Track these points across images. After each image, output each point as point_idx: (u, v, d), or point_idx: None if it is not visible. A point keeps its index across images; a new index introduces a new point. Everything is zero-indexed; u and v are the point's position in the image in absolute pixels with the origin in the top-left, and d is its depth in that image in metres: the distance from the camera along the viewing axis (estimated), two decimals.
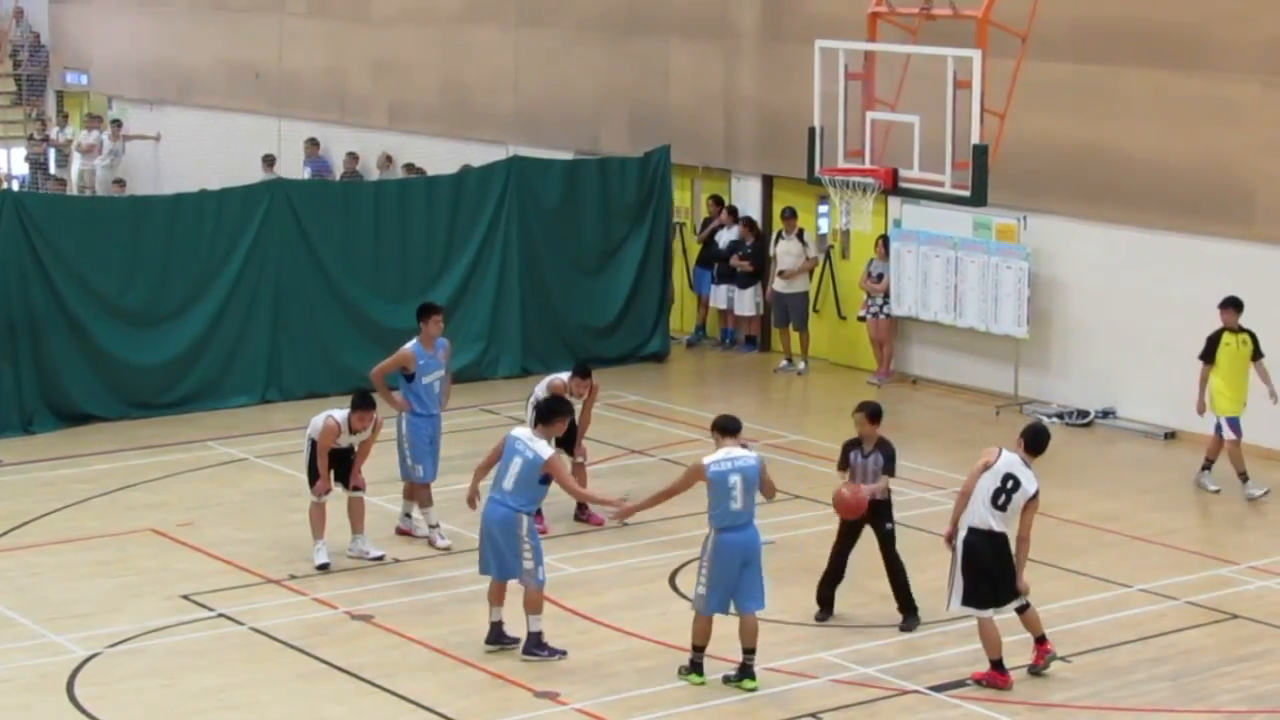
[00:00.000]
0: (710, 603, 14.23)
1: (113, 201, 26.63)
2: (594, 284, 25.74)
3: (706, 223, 27.02)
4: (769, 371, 25.48)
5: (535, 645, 14.78)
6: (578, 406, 18.30)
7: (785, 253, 25.33)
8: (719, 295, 26.66)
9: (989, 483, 14.13)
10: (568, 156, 27.42)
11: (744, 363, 26.19)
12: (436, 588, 16.47)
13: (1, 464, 20.62)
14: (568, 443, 18.31)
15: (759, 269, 25.96)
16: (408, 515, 18.00)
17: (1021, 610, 14.38)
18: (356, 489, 17.22)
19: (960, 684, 14.32)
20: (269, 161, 33.04)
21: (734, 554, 14.12)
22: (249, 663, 14.85)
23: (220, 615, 15.86)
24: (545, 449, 14.74)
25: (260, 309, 23.41)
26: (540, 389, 17.97)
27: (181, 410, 22.76)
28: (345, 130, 33.21)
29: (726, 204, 26.77)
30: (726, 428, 14.47)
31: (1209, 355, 19.48)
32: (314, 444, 16.93)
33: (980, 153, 17.62)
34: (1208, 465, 19.67)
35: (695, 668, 14.33)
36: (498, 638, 14.94)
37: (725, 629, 14.47)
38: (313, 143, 33.29)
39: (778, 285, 25.35)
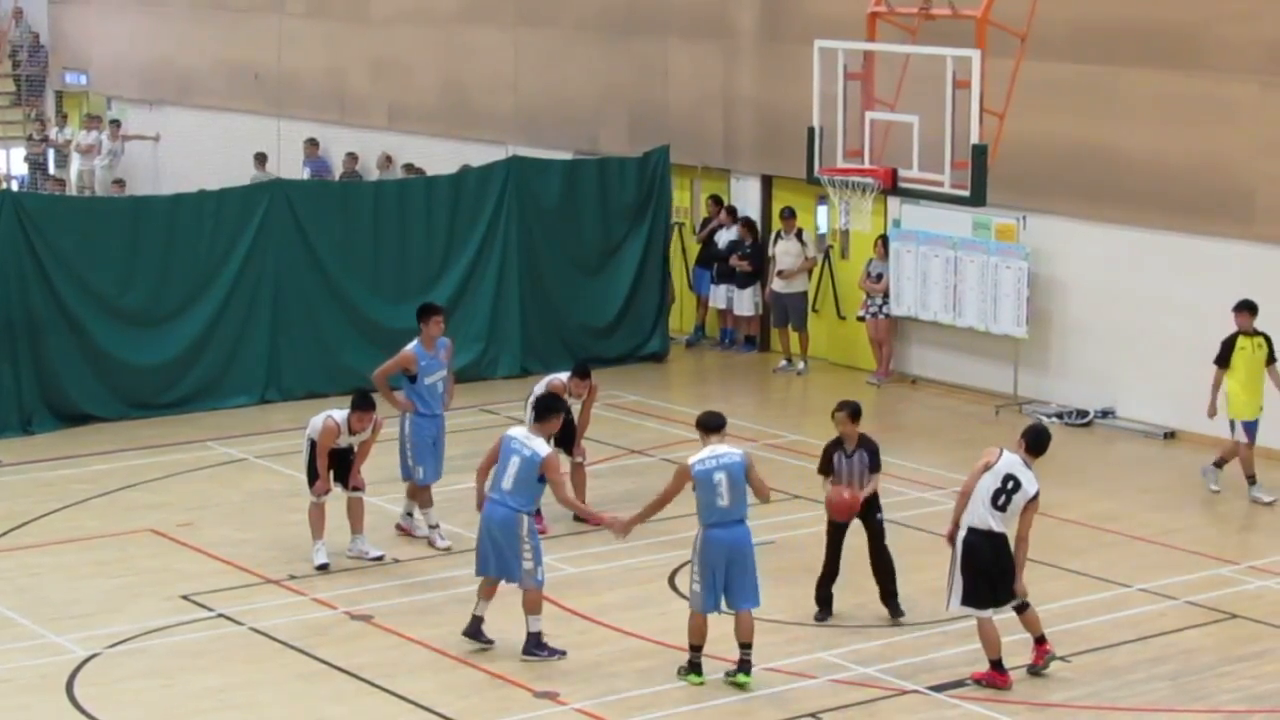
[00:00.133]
0: (704, 600, 14.24)
1: (112, 202, 26.63)
2: (593, 284, 25.74)
3: (705, 223, 27.02)
4: (768, 371, 25.48)
5: (535, 645, 14.77)
6: (576, 407, 18.31)
7: (784, 253, 25.33)
8: (718, 295, 26.66)
9: (989, 483, 14.13)
10: (567, 156, 27.43)
11: (743, 363, 26.20)
12: (436, 588, 16.46)
13: (1, 464, 20.62)
14: (567, 443, 18.33)
15: (758, 269, 25.96)
16: (409, 514, 17.99)
17: (1021, 610, 14.38)
18: (356, 489, 17.22)
19: (960, 684, 14.32)
20: (261, 159, 33.05)
21: (719, 550, 14.13)
22: (249, 663, 14.85)
23: (220, 615, 15.86)
24: (543, 446, 14.74)
25: (260, 309, 23.41)
26: (539, 389, 17.97)
27: (181, 410, 22.77)
28: (345, 130, 33.21)
29: (726, 204, 26.78)
30: (710, 425, 14.48)
31: (1224, 359, 19.29)
32: (313, 444, 16.93)
33: (979, 153, 17.62)
34: (1219, 464, 19.52)
35: (694, 668, 14.34)
36: (475, 632, 14.92)
37: (725, 628, 14.48)
38: (312, 143, 33.29)
39: (776, 285, 25.34)
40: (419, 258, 24.49)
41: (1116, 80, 22.15)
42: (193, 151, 35.84)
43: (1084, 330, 22.80)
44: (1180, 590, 16.53)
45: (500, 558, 14.70)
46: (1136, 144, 21.99)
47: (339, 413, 16.92)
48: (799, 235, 25.35)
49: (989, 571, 14.14)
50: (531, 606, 14.77)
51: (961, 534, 14.20)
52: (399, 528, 18.01)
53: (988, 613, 14.20)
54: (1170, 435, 21.85)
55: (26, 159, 38.97)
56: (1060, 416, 22.40)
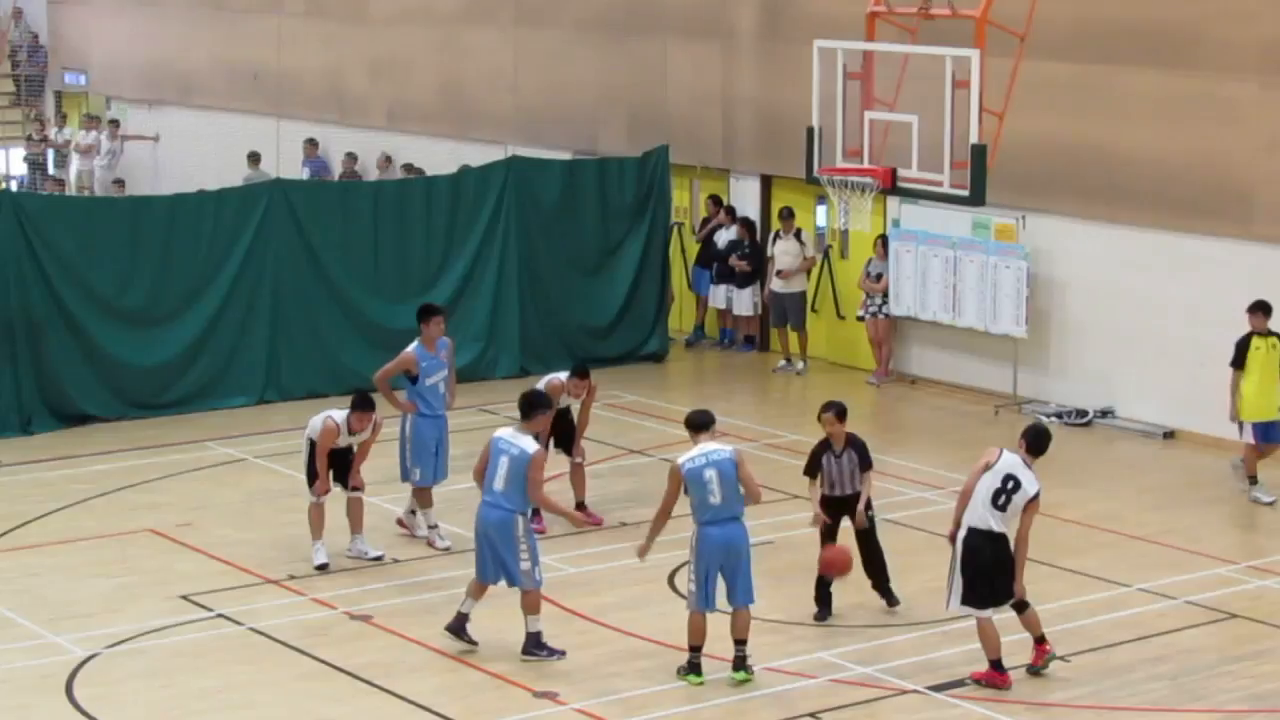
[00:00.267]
0: (700, 598, 14.24)
1: (111, 202, 26.62)
2: (593, 284, 25.74)
3: (705, 222, 27.02)
4: (768, 371, 25.49)
5: (535, 645, 14.77)
6: (575, 406, 18.30)
7: (783, 252, 25.33)
8: (718, 295, 26.66)
9: (989, 483, 14.12)
10: (566, 156, 27.43)
11: (743, 362, 26.20)
12: (435, 588, 16.46)
13: (0, 464, 20.62)
14: (566, 443, 18.33)
15: (757, 269, 25.96)
16: (412, 512, 17.97)
17: (1020, 610, 14.38)
18: (355, 489, 17.22)
19: (959, 684, 14.32)
20: (254, 159, 33.05)
21: (715, 546, 14.14)
22: (248, 663, 14.85)
23: (219, 616, 15.86)
24: (531, 444, 14.71)
25: (259, 309, 23.41)
26: (539, 388, 17.97)
27: (180, 411, 22.77)
28: (344, 130, 33.20)
29: (725, 204, 26.78)
30: (698, 423, 14.50)
31: (1239, 360, 19.19)
32: (313, 444, 16.93)
33: (979, 152, 17.63)
34: (1253, 480, 19.37)
35: (693, 668, 14.34)
36: (458, 629, 14.90)
37: (724, 629, 14.47)
38: (311, 143, 33.29)
39: (775, 285, 25.34)
40: (418, 258, 24.49)
41: (1116, 80, 22.15)
42: (192, 151, 35.84)
43: (1083, 330, 22.80)
44: (1180, 590, 16.53)
45: (499, 561, 14.68)
46: (1136, 144, 21.99)
47: (338, 413, 16.92)
48: (798, 235, 25.35)
49: (989, 572, 14.14)
50: (530, 607, 14.77)
51: (962, 534, 14.20)
52: (399, 521, 18.00)
53: (987, 613, 14.20)
54: (1169, 435, 21.85)
55: (26, 159, 38.98)
56: (1060, 416, 22.40)
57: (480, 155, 28.22)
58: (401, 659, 14.88)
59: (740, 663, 14.32)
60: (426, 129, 31.54)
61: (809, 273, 25.54)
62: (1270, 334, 19.24)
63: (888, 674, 14.56)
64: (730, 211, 26.55)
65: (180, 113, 36.99)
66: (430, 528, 17.73)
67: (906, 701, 14.11)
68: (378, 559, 17.23)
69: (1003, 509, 14.09)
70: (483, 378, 24.26)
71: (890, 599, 15.92)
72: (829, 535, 15.74)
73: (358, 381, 20.92)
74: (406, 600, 16.21)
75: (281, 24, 34.10)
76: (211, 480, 20.13)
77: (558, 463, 18.48)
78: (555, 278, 25.38)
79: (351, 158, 32.49)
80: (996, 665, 14.25)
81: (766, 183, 26.61)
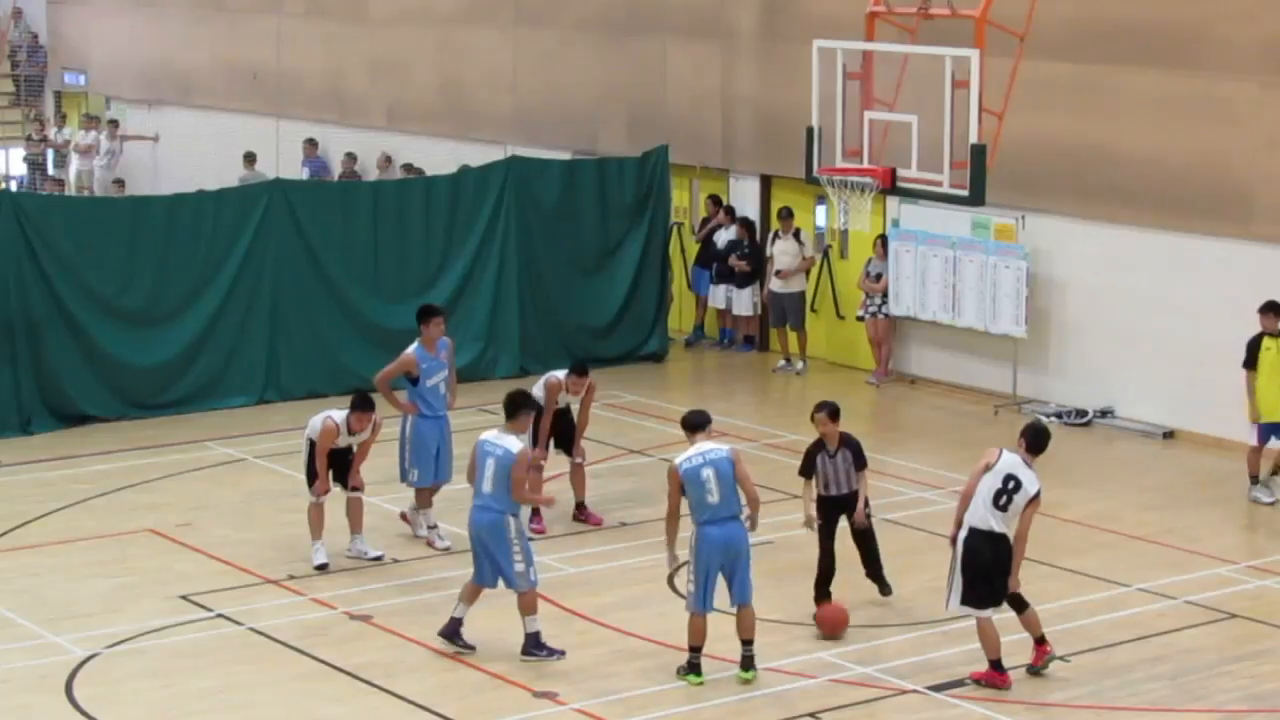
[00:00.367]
0: (699, 599, 14.24)
1: (111, 202, 26.63)
2: (592, 284, 25.73)
3: (704, 222, 27.02)
4: (767, 371, 25.48)
5: (534, 645, 14.77)
6: (575, 404, 18.29)
7: (782, 252, 25.33)
8: (717, 295, 26.66)
9: (990, 483, 14.11)
10: (566, 156, 27.43)
11: (742, 362, 26.20)
12: (435, 588, 16.45)
13: (0, 464, 20.62)
14: (567, 443, 18.32)
15: (756, 269, 25.96)
16: (416, 508, 17.97)
17: (1020, 610, 14.37)
18: (355, 489, 17.22)
19: (959, 684, 14.32)
20: (249, 159, 33.06)
21: (714, 546, 14.14)
22: (248, 663, 14.85)
23: (219, 616, 15.86)
24: (515, 444, 14.70)
25: (259, 309, 23.41)
26: (537, 388, 17.98)
27: (180, 411, 22.77)
28: (343, 131, 33.21)
29: (724, 204, 26.78)
30: (694, 424, 14.52)
31: (1251, 361, 19.12)
32: (313, 444, 16.93)
33: (978, 152, 17.63)
34: (1256, 479, 19.29)
35: (693, 668, 14.34)
36: (452, 634, 14.89)
37: (724, 629, 14.48)
38: (311, 143, 33.29)
39: (774, 285, 25.34)
40: (418, 258, 24.49)
41: (1115, 80, 22.15)
42: (192, 152, 35.84)
43: (1083, 330, 22.80)
44: (1179, 590, 16.53)
45: (493, 564, 14.68)
46: (1135, 143, 21.99)
47: (338, 413, 16.92)
48: (796, 235, 25.35)
49: (989, 572, 14.13)
50: (527, 608, 14.76)
51: (963, 534, 14.19)
52: (403, 516, 17.99)
53: (987, 613, 14.20)
54: (1169, 435, 21.85)
55: (25, 159, 38.99)
56: (1059, 416, 22.40)
57: (480, 155, 28.22)
58: (401, 659, 14.88)
59: (748, 662, 14.31)
60: (426, 129, 31.54)
61: (808, 273, 25.53)
62: None
63: (887, 674, 14.56)
64: (730, 211, 26.55)
65: (180, 113, 37.00)
66: (430, 528, 17.73)
67: (906, 701, 14.11)
68: (377, 559, 17.23)
69: (1004, 509, 14.08)
70: (482, 378, 24.25)
71: (884, 587, 15.99)
72: (826, 535, 15.74)
73: (357, 381, 20.92)
74: (406, 600, 16.21)
75: (281, 24, 34.11)
76: (211, 480, 20.13)
77: (558, 463, 18.49)
78: (555, 278, 25.38)
79: (351, 158, 32.50)
80: (996, 665, 14.25)
81: (766, 183, 26.61)
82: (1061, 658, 14.67)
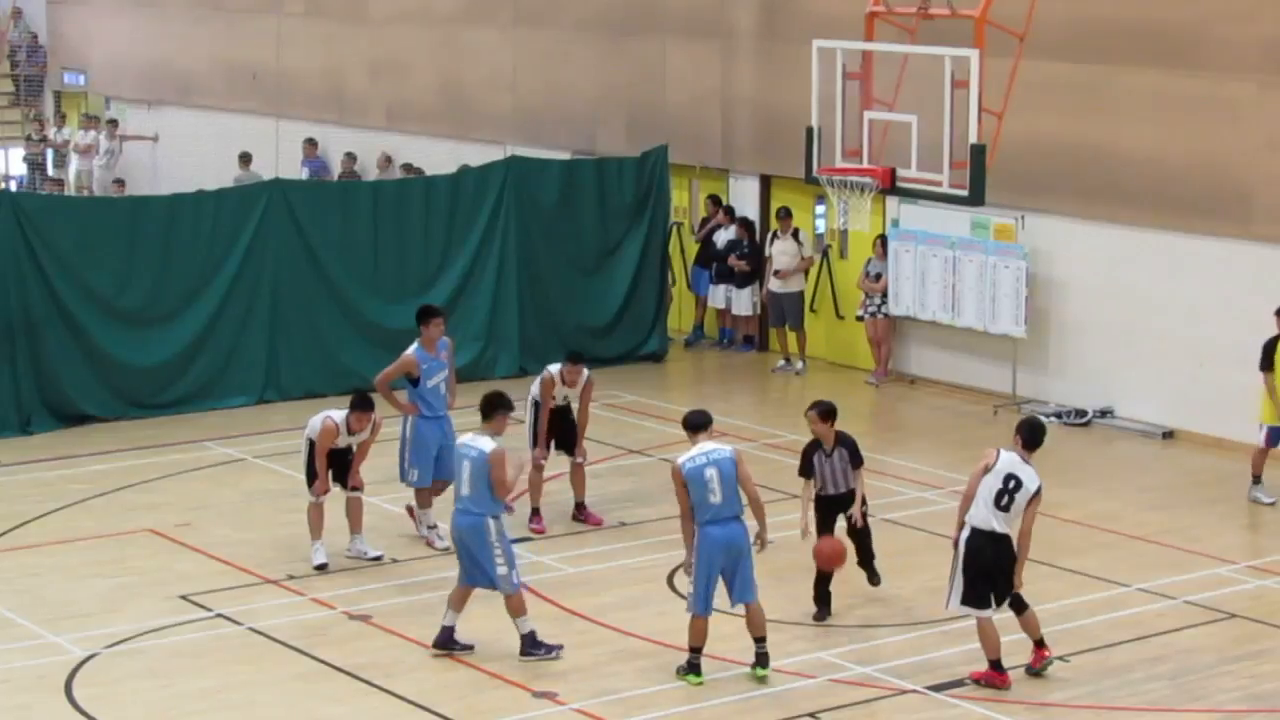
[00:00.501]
0: (699, 601, 14.22)
1: (110, 202, 26.64)
2: (592, 284, 25.73)
3: (704, 222, 27.02)
4: (767, 371, 25.48)
5: (531, 645, 14.75)
6: (573, 395, 18.19)
7: (780, 252, 25.33)
8: (717, 295, 26.66)
9: (991, 484, 14.10)
10: (565, 156, 27.44)
11: (742, 362, 26.20)
12: (434, 588, 16.43)
13: None
14: (568, 443, 18.28)
15: (756, 269, 25.95)
16: (417, 508, 17.97)
17: (1020, 611, 14.37)
18: (355, 489, 17.22)
19: (959, 683, 14.32)
20: (245, 159, 33.07)
21: (716, 546, 14.12)
22: (247, 663, 14.85)
23: (218, 615, 15.86)
24: (488, 443, 14.67)
25: (258, 309, 23.41)
26: (535, 386, 17.99)
27: (179, 410, 22.77)
28: (343, 130, 33.21)
29: (724, 204, 26.78)
30: (695, 424, 14.50)
31: (1267, 363, 19.01)
32: (312, 444, 16.93)
33: (978, 152, 17.64)
34: (1259, 479, 19.24)
35: (692, 668, 14.33)
36: (447, 642, 14.88)
37: (724, 629, 14.48)
38: (310, 143, 33.29)
39: (773, 285, 25.34)
40: (417, 258, 24.49)
41: (1115, 80, 22.15)
42: (191, 152, 35.83)
43: (1082, 330, 22.80)
44: (1179, 590, 16.52)
45: (477, 567, 14.66)
46: (1135, 143, 21.99)
47: (338, 413, 16.92)
48: (795, 235, 25.35)
49: (990, 572, 14.13)
50: (516, 610, 14.71)
51: (965, 534, 14.17)
52: (408, 509, 17.97)
53: (987, 613, 14.20)
54: (1169, 435, 21.84)
55: (25, 159, 38.99)
56: (1059, 416, 22.40)
57: (479, 155, 28.22)
58: (401, 659, 14.88)
59: (763, 659, 14.30)
60: (426, 129, 31.54)
61: (807, 273, 25.53)
62: None
63: (887, 674, 14.56)
64: (729, 211, 26.54)
65: (179, 113, 37.00)
66: (429, 528, 17.72)
67: (906, 701, 14.10)
68: (377, 559, 17.23)
69: (1006, 509, 14.07)
70: (482, 377, 24.21)
71: (873, 576, 16.03)
72: (828, 529, 15.73)
73: (357, 381, 20.91)
74: (406, 600, 16.20)
75: (281, 24, 34.09)
76: (210, 480, 20.13)
77: (558, 463, 18.48)
78: (554, 277, 25.38)
79: (351, 158, 32.50)
80: (996, 665, 14.24)
81: (766, 183, 26.61)
82: (1061, 658, 14.67)
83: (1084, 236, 22.65)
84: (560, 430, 18.24)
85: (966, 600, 14.20)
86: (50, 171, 38.37)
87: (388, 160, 31.91)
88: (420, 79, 31.84)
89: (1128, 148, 22.04)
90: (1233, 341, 20.98)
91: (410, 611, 15.86)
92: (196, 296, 23.08)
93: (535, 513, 18.17)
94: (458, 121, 31.00)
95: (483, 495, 14.57)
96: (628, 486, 19.66)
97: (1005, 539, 14.13)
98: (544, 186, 25.35)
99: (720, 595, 14.34)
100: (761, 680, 14.28)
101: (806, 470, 15.67)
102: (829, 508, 15.73)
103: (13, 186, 37.44)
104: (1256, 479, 19.23)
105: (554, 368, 18.16)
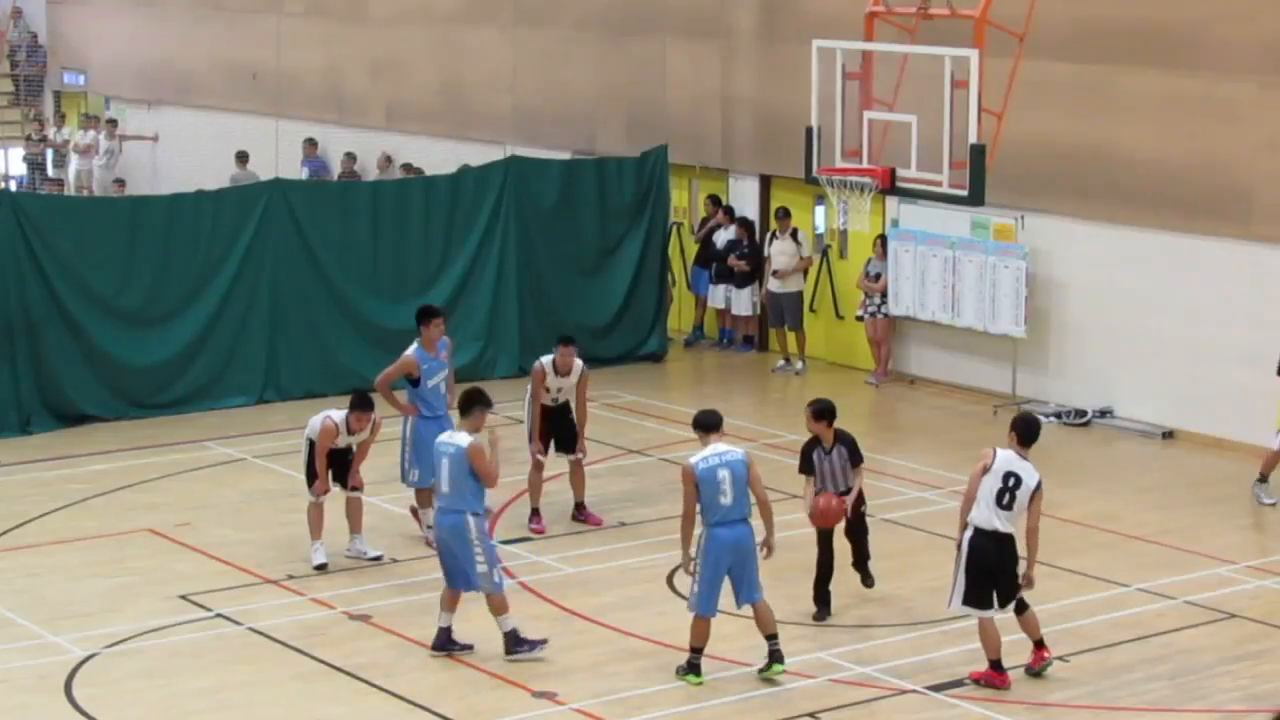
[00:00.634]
0: (702, 601, 14.21)
1: (110, 202, 26.63)
2: (592, 284, 25.73)
3: (704, 222, 27.02)
4: (766, 371, 25.48)
5: (515, 643, 14.69)
6: (567, 388, 18.11)
7: (779, 252, 25.33)
8: (716, 295, 26.66)
9: (991, 484, 14.09)
10: (565, 156, 27.43)
11: (742, 362, 26.20)
12: (434, 588, 16.35)
13: None
14: (568, 442, 18.25)
15: (755, 269, 25.95)
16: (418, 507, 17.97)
17: (1020, 612, 14.36)
18: (355, 489, 17.22)
19: (958, 683, 14.32)
20: (242, 158, 33.06)
21: (724, 548, 14.11)
22: (247, 663, 14.85)
23: (218, 615, 15.86)
24: (464, 439, 14.67)
25: (258, 309, 23.41)
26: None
27: (179, 410, 22.76)
28: (343, 130, 33.21)
29: (724, 204, 26.78)
30: (708, 424, 14.47)
31: None
32: (312, 444, 16.93)
33: (978, 152, 17.64)
34: (1265, 479, 19.18)
35: (692, 668, 14.33)
36: (445, 643, 14.86)
37: (724, 629, 14.48)
38: (310, 143, 33.30)
39: (772, 285, 25.34)
40: (417, 258, 24.49)
41: (1115, 80, 22.15)
42: (191, 152, 35.83)
43: (1082, 330, 22.80)
44: (1178, 590, 16.52)
45: (458, 568, 14.64)
46: (1135, 144, 21.99)
47: (337, 413, 16.92)
48: (794, 235, 25.35)
49: (993, 572, 14.12)
50: (498, 608, 14.67)
51: (968, 534, 14.15)
52: (413, 510, 17.97)
53: (989, 613, 14.19)
54: (1168, 435, 21.84)
55: (25, 159, 38.99)
56: (1058, 416, 22.40)
57: (479, 155, 28.22)
58: (400, 659, 14.88)
59: (778, 656, 14.28)
60: (426, 129, 31.54)
61: (806, 272, 25.53)
62: None
63: (886, 674, 14.56)
64: (729, 211, 26.54)
65: (179, 113, 37.00)
66: (429, 528, 17.70)
67: (905, 701, 14.10)
68: (377, 559, 17.23)
69: (1009, 507, 14.07)
70: (481, 377, 24.14)
71: (866, 578, 16.03)
72: (825, 534, 15.75)
73: (356, 381, 20.87)
74: (405, 600, 16.20)
75: (281, 24, 34.08)
76: (210, 480, 20.13)
77: (558, 463, 18.47)
78: (554, 277, 25.38)
79: (351, 157, 32.50)
80: (996, 665, 14.24)
81: (765, 183, 26.61)
82: (1061, 658, 14.66)
83: (1084, 236, 22.65)
84: (559, 430, 18.22)
85: (968, 600, 14.19)
86: (50, 171, 38.36)
87: (388, 160, 31.92)
88: (420, 79, 31.84)
89: (1128, 148, 22.04)
90: (1233, 341, 20.99)
91: (410, 611, 15.85)
92: (196, 296, 23.08)
93: (535, 513, 18.16)
94: (458, 121, 31.00)
95: (463, 491, 14.58)
96: (627, 486, 19.66)
97: (1008, 538, 14.13)
98: (544, 186, 25.35)
99: (721, 596, 14.33)
100: (779, 677, 14.21)
101: (806, 468, 15.68)
102: None
103: (13, 186, 37.42)
104: (1263, 478, 19.18)
105: (545, 359, 18.13)
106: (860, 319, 24.79)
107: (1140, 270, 22.11)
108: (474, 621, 15.02)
